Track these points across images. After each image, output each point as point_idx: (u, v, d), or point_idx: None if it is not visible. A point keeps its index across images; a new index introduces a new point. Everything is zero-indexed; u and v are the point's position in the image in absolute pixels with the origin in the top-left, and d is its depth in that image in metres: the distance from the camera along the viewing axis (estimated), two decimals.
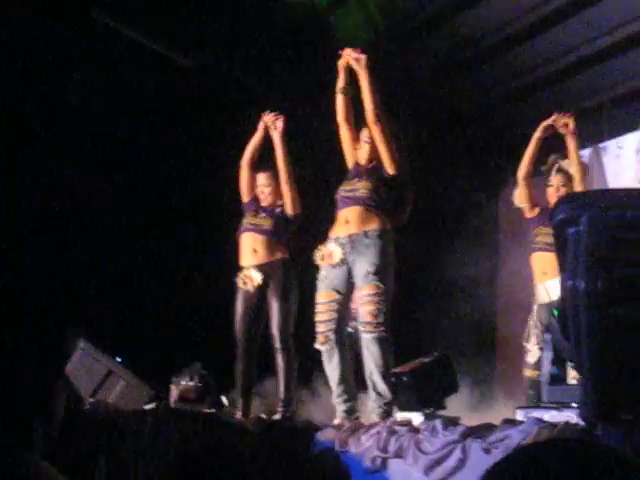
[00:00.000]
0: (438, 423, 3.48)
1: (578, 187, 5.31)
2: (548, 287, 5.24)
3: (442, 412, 4.05)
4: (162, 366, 6.23)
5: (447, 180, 8.06)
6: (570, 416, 3.58)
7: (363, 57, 4.56)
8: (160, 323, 6.95)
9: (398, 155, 4.59)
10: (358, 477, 3.77)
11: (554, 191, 5.38)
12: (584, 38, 6.88)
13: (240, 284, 5.20)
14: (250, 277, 5.17)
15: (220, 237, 5.99)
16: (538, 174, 8.12)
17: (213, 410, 5.61)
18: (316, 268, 5.30)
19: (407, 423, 3.77)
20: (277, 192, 5.36)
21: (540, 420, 3.26)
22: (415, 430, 3.60)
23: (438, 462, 3.35)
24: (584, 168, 5.54)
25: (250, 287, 5.16)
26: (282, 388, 5.05)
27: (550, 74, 7.46)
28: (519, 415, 3.74)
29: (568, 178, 5.39)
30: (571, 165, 5.37)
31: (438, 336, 7.01)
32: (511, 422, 3.38)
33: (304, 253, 5.31)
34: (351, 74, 4.68)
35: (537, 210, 5.50)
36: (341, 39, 6.23)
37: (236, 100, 6.99)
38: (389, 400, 4.30)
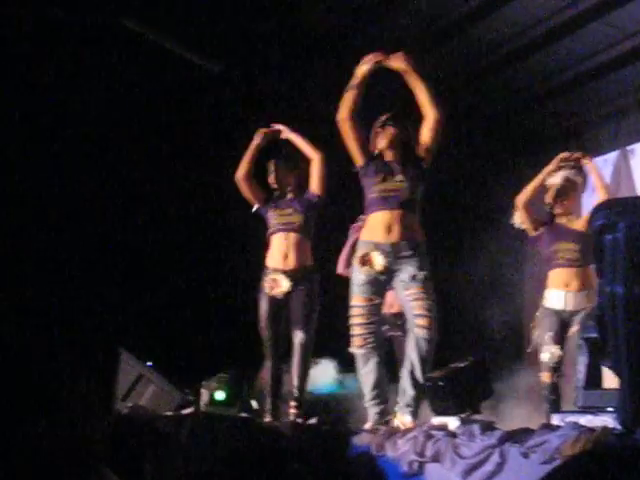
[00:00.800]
0: (475, 427, 3.51)
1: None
2: (569, 297, 5.29)
3: (477, 417, 4.07)
4: (191, 370, 6.29)
5: (473, 178, 8.08)
6: (606, 420, 3.61)
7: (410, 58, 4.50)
8: (190, 327, 7.02)
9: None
10: None
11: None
12: (611, 40, 6.88)
13: (267, 289, 5.22)
14: (278, 283, 5.19)
15: (249, 239, 6.03)
16: None
17: (244, 414, 5.66)
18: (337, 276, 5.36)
19: (443, 427, 3.79)
20: (290, 178, 5.41)
21: (578, 425, 3.28)
22: (452, 434, 3.63)
23: (476, 466, 3.38)
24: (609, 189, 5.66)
25: (277, 293, 5.18)
26: (297, 388, 5.10)
27: (578, 75, 7.45)
28: (555, 420, 3.76)
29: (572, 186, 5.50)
30: (599, 190, 5.44)
31: (468, 339, 7.02)
32: (549, 427, 3.41)
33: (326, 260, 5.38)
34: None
35: (542, 228, 5.54)
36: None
37: (262, 104, 7.03)
38: (420, 401, 4.32)
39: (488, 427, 3.56)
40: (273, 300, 5.21)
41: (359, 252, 4.48)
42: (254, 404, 6.03)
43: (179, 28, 6.65)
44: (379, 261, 4.35)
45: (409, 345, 4.33)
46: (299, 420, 4.90)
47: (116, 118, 6.46)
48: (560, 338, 5.28)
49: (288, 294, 5.17)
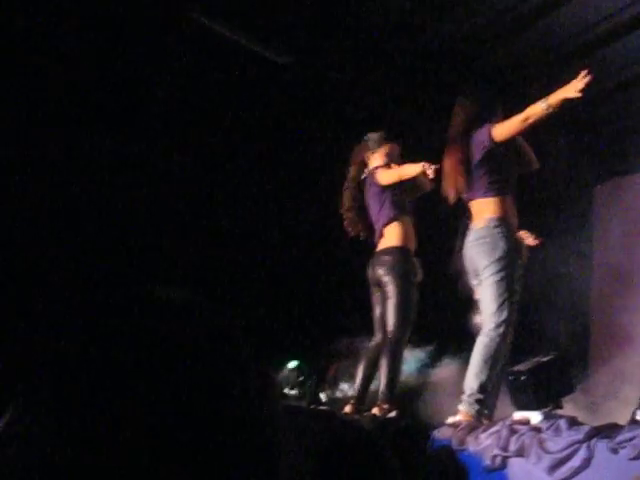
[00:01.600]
0: (562, 422, 3.48)
1: None
2: None
3: (559, 412, 4.04)
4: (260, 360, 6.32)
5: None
6: None
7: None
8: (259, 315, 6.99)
9: None
10: (477, 475, 3.81)
11: None
12: None
13: (419, 275, 5.12)
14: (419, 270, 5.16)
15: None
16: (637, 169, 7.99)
17: (313, 406, 5.69)
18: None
19: (526, 422, 3.78)
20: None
21: None
22: (537, 429, 3.61)
23: (562, 462, 3.36)
24: None
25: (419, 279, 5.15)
26: (384, 383, 4.97)
27: None
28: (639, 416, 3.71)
29: None
30: None
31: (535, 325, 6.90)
32: (638, 423, 3.37)
33: None
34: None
35: None
36: None
37: (331, 96, 7.00)
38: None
39: (574, 422, 3.53)
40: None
41: None
42: (322, 397, 6.05)
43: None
44: None
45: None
46: (379, 413, 4.88)
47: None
48: None
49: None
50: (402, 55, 6.86)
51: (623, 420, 4.85)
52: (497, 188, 4.45)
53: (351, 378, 5.57)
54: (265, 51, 6.86)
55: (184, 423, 0.69)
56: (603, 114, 8.09)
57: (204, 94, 6.48)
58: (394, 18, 6.64)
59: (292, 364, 6.14)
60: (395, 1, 6.50)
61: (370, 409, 5.01)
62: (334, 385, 6.26)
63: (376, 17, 6.62)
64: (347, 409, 5.10)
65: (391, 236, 5.17)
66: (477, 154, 4.43)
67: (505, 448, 3.63)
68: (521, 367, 4.09)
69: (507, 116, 4.51)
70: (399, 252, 5.11)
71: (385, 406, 4.88)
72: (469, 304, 5.00)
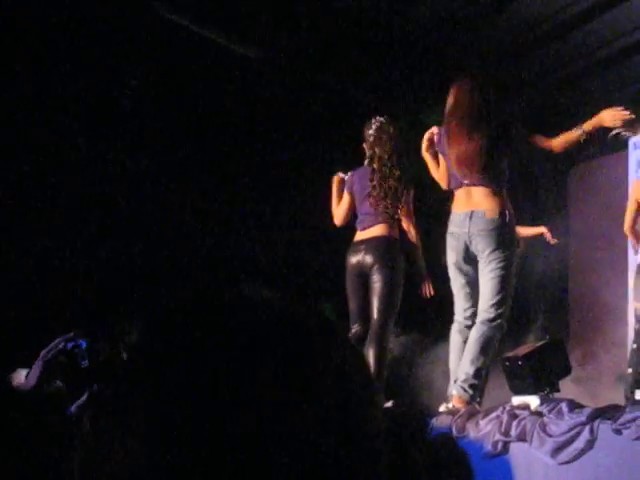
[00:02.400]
0: (563, 405, 3.50)
1: None
2: None
3: (557, 395, 4.06)
4: None
5: None
6: None
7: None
8: None
9: None
10: (478, 461, 3.81)
11: None
12: None
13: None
14: None
15: None
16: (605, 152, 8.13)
17: None
18: None
19: (526, 407, 3.79)
20: None
21: None
22: (537, 413, 3.62)
23: (565, 444, 3.38)
24: None
25: None
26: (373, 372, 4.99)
27: None
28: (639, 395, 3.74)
29: None
30: None
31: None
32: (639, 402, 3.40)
33: None
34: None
35: None
36: None
37: (306, 92, 6.96)
38: None
39: (575, 404, 3.55)
40: None
41: None
42: None
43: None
44: None
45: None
46: None
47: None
48: None
49: None
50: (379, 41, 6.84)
51: (607, 389, 4.94)
52: (507, 181, 4.52)
53: None
54: (234, 44, 6.79)
55: (313, 430, 0.66)
56: (574, 100, 8.16)
57: (179, 91, 6.41)
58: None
59: None
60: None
61: None
62: None
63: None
64: None
65: (380, 225, 5.15)
66: (506, 147, 4.48)
67: (506, 433, 3.64)
68: (516, 352, 4.10)
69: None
70: (388, 240, 5.11)
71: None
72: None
